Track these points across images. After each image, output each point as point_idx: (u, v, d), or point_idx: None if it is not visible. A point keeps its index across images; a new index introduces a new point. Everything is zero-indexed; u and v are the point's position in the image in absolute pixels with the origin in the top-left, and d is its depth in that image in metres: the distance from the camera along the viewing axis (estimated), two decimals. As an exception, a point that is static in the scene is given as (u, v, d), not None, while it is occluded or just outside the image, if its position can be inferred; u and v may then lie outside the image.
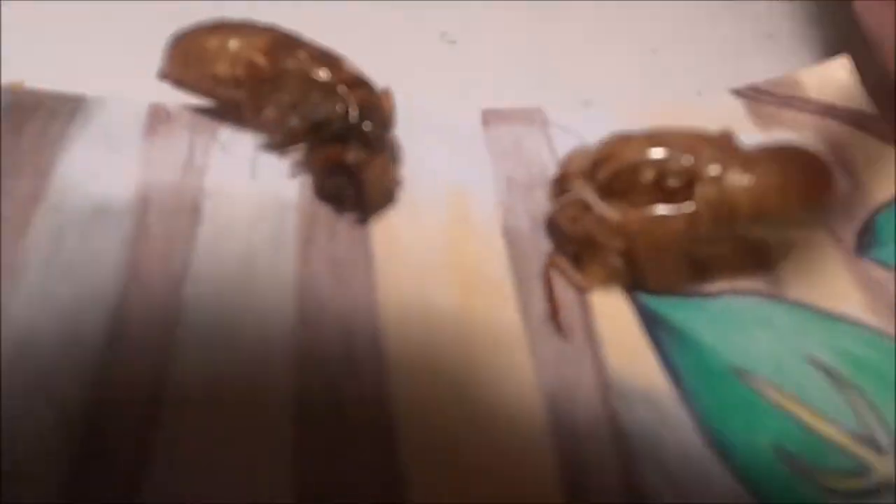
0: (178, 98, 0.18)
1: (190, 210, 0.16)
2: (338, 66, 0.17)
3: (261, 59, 0.17)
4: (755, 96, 0.21)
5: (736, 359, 0.16)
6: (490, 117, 0.20)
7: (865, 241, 0.17)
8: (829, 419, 0.15)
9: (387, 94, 0.17)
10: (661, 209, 0.15)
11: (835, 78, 0.20)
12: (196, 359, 0.14)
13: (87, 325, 0.14)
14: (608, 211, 0.15)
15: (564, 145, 0.19)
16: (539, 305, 0.16)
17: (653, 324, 0.16)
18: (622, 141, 0.15)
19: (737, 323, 0.16)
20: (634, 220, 0.15)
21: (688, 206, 0.15)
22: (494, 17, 0.25)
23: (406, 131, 0.19)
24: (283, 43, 0.18)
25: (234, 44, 0.17)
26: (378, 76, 0.17)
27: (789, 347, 0.16)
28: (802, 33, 0.25)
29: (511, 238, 0.17)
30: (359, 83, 0.17)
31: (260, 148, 0.18)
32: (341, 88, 0.16)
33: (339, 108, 0.16)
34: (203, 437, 0.13)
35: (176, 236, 0.16)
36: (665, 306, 0.16)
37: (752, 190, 0.14)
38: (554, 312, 0.16)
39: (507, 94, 0.22)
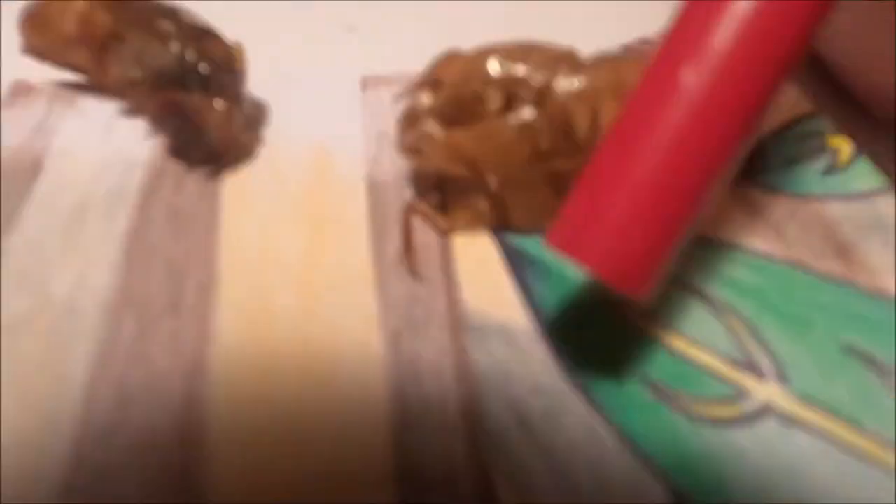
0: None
1: (30, 168, 0.16)
2: (181, 16, 0.17)
3: (102, 16, 0.17)
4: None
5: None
6: (370, 82, 0.19)
7: (752, 168, 0.16)
8: (703, 345, 0.13)
9: (238, 46, 0.17)
10: (491, 124, 0.14)
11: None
12: (6, 302, 0.13)
13: None
14: (437, 130, 0.14)
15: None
16: (394, 249, 0.15)
17: (518, 262, 0.15)
18: (448, 60, 0.14)
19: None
20: (466, 138, 0.14)
21: (515, 118, 0.14)
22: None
23: (275, 92, 0.19)
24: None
25: (77, 3, 0.17)
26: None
27: (671, 278, 0.14)
28: None
29: (374, 189, 0.16)
30: (203, 33, 0.16)
31: (116, 113, 0.17)
32: (179, 35, 0.16)
33: (173, 49, 0.15)
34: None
35: (9, 192, 0.15)
36: (534, 245, 0.15)
37: (585, 93, 0.13)
38: (407, 252, 0.14)
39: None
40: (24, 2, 0.17)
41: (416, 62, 0.21)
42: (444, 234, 0.15)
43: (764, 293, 0.14)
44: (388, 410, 0.12)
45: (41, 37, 0.17)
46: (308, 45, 0.21)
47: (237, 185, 0.16)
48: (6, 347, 0.12)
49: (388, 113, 0.18)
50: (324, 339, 0.13)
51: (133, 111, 0.17)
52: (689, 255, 0.14)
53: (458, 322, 0.14)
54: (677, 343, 0.13)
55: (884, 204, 0.15)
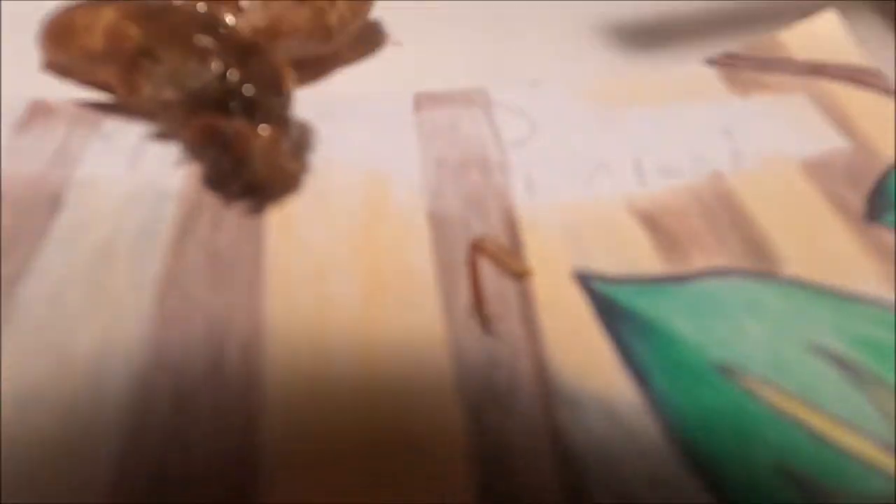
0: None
1: (48, 201, 0.14)
2: (222, 29, 0.15)
3: (133, 30, 0.15)
4: (730, 63, 0.18)
5: (721, 354, 0.12)
6: (423, 101, 0.17)
7: (877, 205, 0.14)
8: (847, 424, 0.11)
9: (286, 64, 0.15)
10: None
11: (822, 34, 0.17)
12: (21, 363, 0.11)
13: None
14: None
15: (508, 124, 0.17)
16: (465, 298, 0.13)
17: (611, 314, 0.13)
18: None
19: (720, 310, 0.12)
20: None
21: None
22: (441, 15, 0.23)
23: (322, 115, 0.17)
24: (157, 10, 0.16)
25: (105, 15, 0.15)
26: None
27: (789, 336, 0.12)
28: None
29: (437, 223, 0.14)
30: (247, 48, 0.14)
31: (145, 137, 0.15)
32: (220, 52, 0.14)
33: (214, 68, 0.13)
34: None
35: (26, 228, 0.13)
36: (626, 293, 0.13)
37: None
38: (478, 303, 0.12)
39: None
40: None
41: (471, 77, 0.19)
42: (519, 277, 0.13)
43: (878, 342, 0.11)
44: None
45: (64, 51, 0.15)
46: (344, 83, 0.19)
47: (283, 223, 0.14)
48: (22, 422, 0.10)
49: (446, 136, 0.16)
50: (391, 414, 0.11)
51: (165, 136, 0.15)
52: (805, 309, 0.12)
53: (548, 391, 0.11)
54: (814, 419, 0.11)
55: None
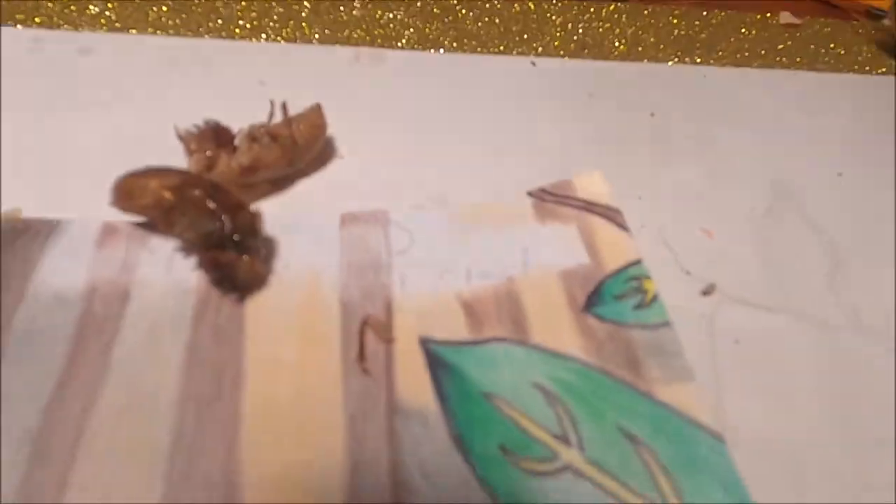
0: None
1: (122, 297, 0.24)
2: (223, 197, 0.25)
3: (168, 195, 0.25)
4: (541, 196, 0.28)
5: (487, 386, 0.22)
6: (346, 219, 0.28)
7: (592, 301, 0.24)
8: (538, 424, 0.21)
9: (258, 214, 0.25)
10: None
11: (594, 183, 0.28)
12: (112, 400, 0.21)
13: (44, 379, 0.21)
14: None
15: (397, 237, 0.27)
16: (355, 352, 0.23)
17: (435, 363, 0.23)
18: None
19: (493, 361, 0.23)
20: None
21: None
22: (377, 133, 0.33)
23: (283, 229, 0.27)
24: (187, 183, 0.26)
25: (151, 184, 0.25)
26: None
27: (524, 377, 0.22)
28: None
29: (344, 307, 0.24)
30: (236, 207, 0.24)
31: (175, 250, 0.26)
32: (222, 213, 0.24)
33: (217, 225, 0.23)
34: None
35: (110, 315, 0.23)
36: (445, 351, 0.23)
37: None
38: (361, 356, 0.23)
39: (380, 192, 0.30)
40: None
41: (387, 199, 0.29)
42: (388, 342, 0.24)
43: (581, 390, 0.22)
44: (344, 479, 0.20)
45: (126, 205, 0.25)
46: (302, 191, 0.29)
47: (256, 307, 0.24)
48: (106, 429, 0.21)
49: (358, 246, 0.27)
50: (309, 418, 0.21)
51: (186, 253, 0.25)
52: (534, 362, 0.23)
53: (393, 408, 0.22)
54: (524, 422, 0.21)
55: (665, 334, 0.23)
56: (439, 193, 0.30)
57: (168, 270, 0.25)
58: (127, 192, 0.25)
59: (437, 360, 0.23)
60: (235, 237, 0.23)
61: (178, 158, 0.28)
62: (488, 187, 0.31)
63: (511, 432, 0.21)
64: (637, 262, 0.25)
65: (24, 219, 0.25)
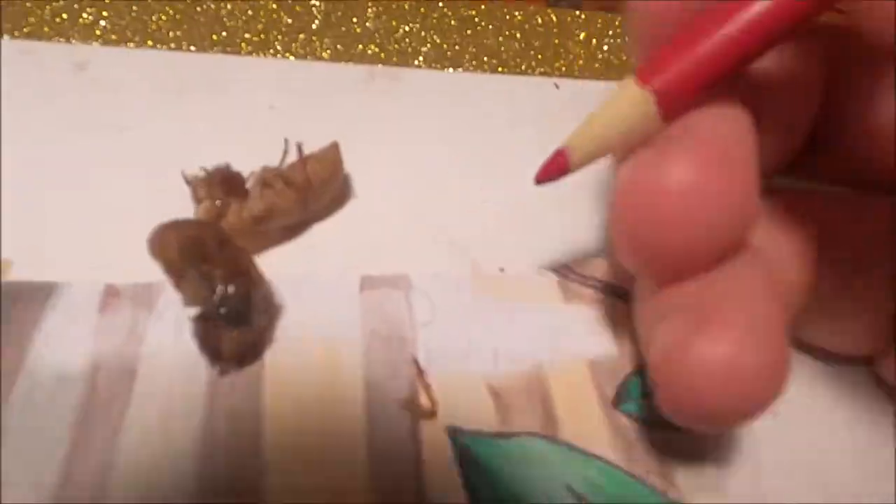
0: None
1: (128, 373, 0.22)
2: (226, 259, 0.23)
3: (174, 255, 0.23)
4: (565, 273, 0.27)
5: (518, 488, 0.21)
6: (365, 283, 0.26)
7: (621, 397, 0.23)
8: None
9: (258, 280, 0.23)
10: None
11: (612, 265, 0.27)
12: (125, 496, 0.20)
13: (45, 469, 0.20)
14: None
15: (420, 306, 0.25)
16: (382, 440, 0.22)
17: (465, 458, 0.22)
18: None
19: (524, 459, 0.22)
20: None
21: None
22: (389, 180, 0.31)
23: (294, 297, 0.25)
24: (194, 240, 0.23)
25: (170, 237, 0.23)
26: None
27: (556, 479, 0.21)
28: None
29: (370, 385, 0.23)
30: (236, 273, 0.23)
31: (184, 309, 0.24)
32: (219, 281, 0.22)
33: (208, 294, 0.22)
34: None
35: (117, 395, 0.21)
36: (473, 442, 0.22)
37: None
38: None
39: (396, 237, 0.28)
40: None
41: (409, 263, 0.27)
42: (432, 417, 0.22)
43: (611, 493, 0.21)
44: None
45: (156, 256, 0.23)
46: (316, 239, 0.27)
47: (273, 385, 0.23)
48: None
49: (379, 313, 0.25)
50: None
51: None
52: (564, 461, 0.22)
53: (422, 499, 0.21)
54: (557, 530, 0.21)
55: (698, 440, 0.22)
56: (460, 239, 0.28)
57: (176, 337, 0.23)
58: (153, 244, 0.23)
59: (467, 453, 0.22)
60: (222, 310, 0.22)
61: (179, 200, 0.26)
62: (511, 233, 0.29)
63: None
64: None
65: (18, 282, 0.23)
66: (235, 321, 0.22)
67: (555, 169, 0.20)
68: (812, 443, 0.23)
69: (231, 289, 0.22)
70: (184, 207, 0.26)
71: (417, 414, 0.22)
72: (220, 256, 0.23)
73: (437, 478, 0.21)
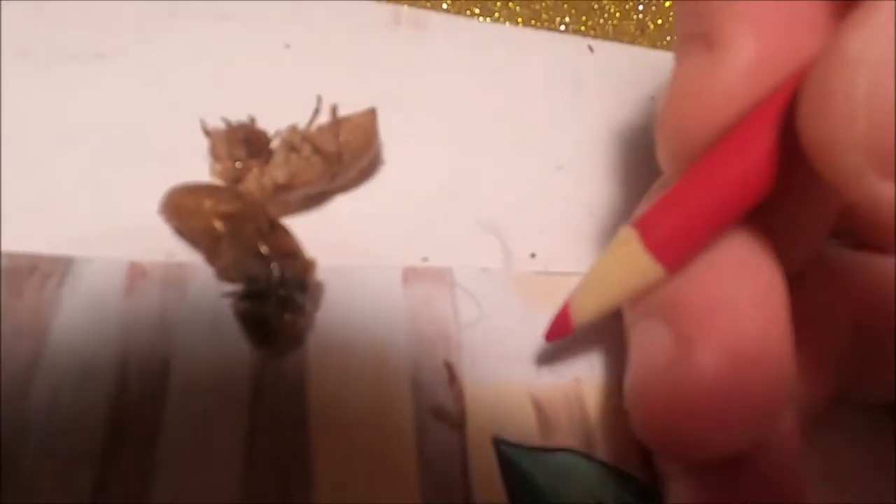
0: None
1: (161, 370, 0.20)
2: (278, 239, 0.21)
3: (219, 225, 0.20)
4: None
5: (556, 502, 0.22)
6: (409, 276, 0.24)
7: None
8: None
9: (311, 264, 0.21)
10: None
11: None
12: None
13: (78, 478, 0.18)
14: None
15: (465, 305, 0.24)
16: (430, 447, 0.21)
17: (508, 468, 0.22)
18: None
19: (563, 474, 0.22)
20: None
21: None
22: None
23: (337, 288, 0.23)
24: (244, 213, 0.21)
25: (205, 204, 0.21)
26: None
27: (592, 496, 0.22)
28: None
29: (415, 389, 0.22)
30: (289, 254, 0.21)
31: (221, 297, 0.21)
32: (272, 260, 0.20)
33: (264, 273, 0.20)
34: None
35: (150, 396, 0.19)
36: (516, 454, 0.22)
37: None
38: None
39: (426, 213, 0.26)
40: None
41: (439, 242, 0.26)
42: (460, 426, 0.22)
43: None
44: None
45: (174, 220, 0.20)
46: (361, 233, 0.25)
47: (318, 385, 0.21)
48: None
49: (425, 311, 0.24)
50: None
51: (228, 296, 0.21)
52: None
53: (466, 508, 0.21)
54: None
55: None
56: (490, 218, 0.27)
57: (214, 331, 0.21)
58: (177, 208, 0.20)
59: (510, 463, 0.22)
60: (282, 291, 0.20)
61: (185, 147, 0.23)
62: (544, 205, 0.28)
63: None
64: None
65: (30, 255, 0.20)
66: (291, 305, 0.20)
67: (563, 328, 0.20)
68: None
69: (289, 271, 0.20)
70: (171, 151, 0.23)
71: (444, 422, 0.22)
72: (273, 235, 0.21)
73: (482, 486, 0.21)
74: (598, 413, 0.24)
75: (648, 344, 0.18)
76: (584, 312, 0.19)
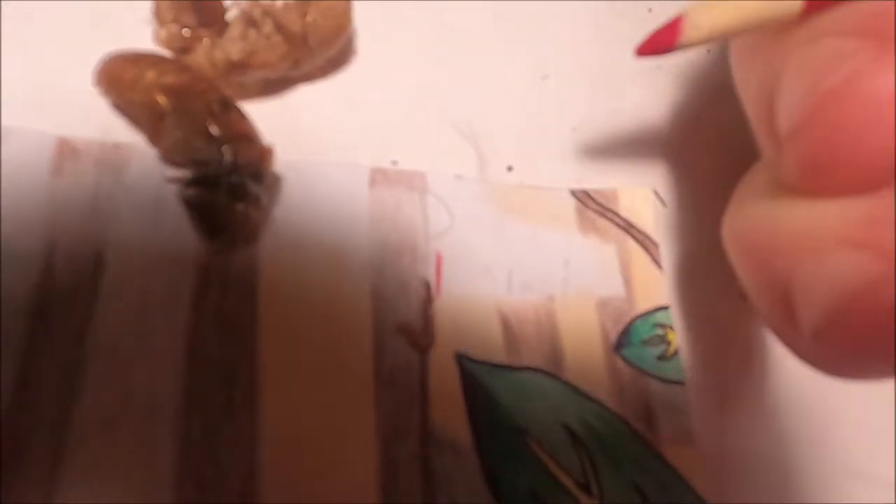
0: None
1: (94, 260, 0.18)
2: (230, 119, 0.18)
3: (162, 99, 0.18)
4: (585, 200, 0.24)
5: (519, 420, 0.21)
6: (377, 177, 0.22)
7: (622, 341, 0.23)
8: (564, 469, 0.21)
9: (268, 151, 0.19)
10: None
11: (639, 201, 0.25)
12: (95, 405, 0.17)
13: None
14: None
15: (436, 214, 0.23)
16: (389, 361, 0.20)
17: (470, 384, 0.21)
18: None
19: (527, 393, 0.21)
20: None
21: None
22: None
23: (296, 184, 0.21)
24: (191, 88, 0.19)
25: (147, 75, 0.18)
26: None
27: (554, 416, 0.21)
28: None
29: (378, 300, 0.21)
30: (242, 137, 0.18)
31: (164, 182, 0.19)
32: (224, 142, 0.18)
33: (214, 157, 0.18)
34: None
35: (79, 286, 0.17)
36: (481, 371, 0.21)
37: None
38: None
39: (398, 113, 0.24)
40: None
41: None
42: (423, 350, 0.21)
43: (604, 437, 0.21)
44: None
45: (111, 90, 0.18)
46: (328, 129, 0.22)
47: (271, 290, 0.19)
48: (103, 442, 0.16)
49: (391, 218, 0.22)
50: (339, 444, 0.19)
51: (173, 181, 0.19)
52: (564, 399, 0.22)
53: (426, 433, 0.20)
54: (552, 465, 0.21)
55: (679, 394, 0.23)
56: (467, 124, 0.25)
57: (155, 221, 0.19)
58: (114, 78, 0.18)
59: (472, 380, 0.21)
60: (234, 178, 0.18)
61: (125, 9, 0.20)
62: (524, 117, 0.26)
63: (541, 476, 0.20)
64: (665, 308, 0.24)
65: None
66: (243, 194, 0.18)
67: (664, 41, 0.15)
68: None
69: (243, 156, 0.18)
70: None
71: (412, 342, 0.21)
72: (225, 115, 0.18)
73: (441, 403, 0.20)
74: (569, 333, 0.22)
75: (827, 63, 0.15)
76: (697, 31, 0.15)
